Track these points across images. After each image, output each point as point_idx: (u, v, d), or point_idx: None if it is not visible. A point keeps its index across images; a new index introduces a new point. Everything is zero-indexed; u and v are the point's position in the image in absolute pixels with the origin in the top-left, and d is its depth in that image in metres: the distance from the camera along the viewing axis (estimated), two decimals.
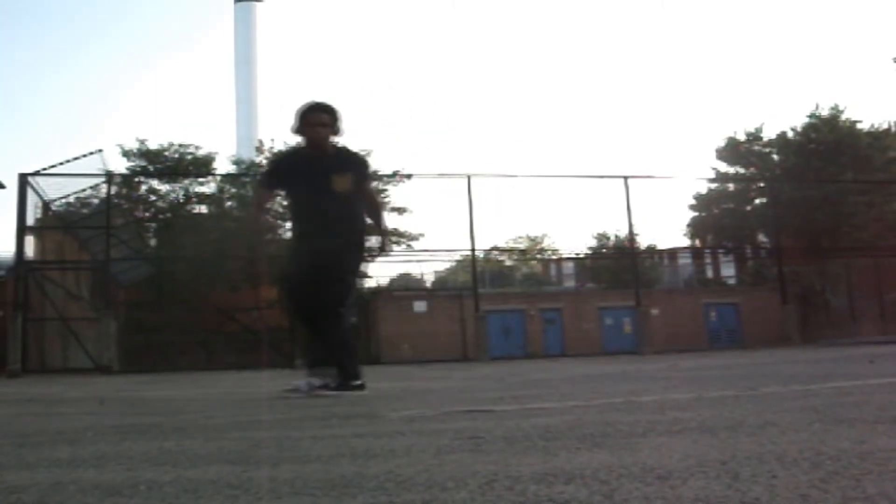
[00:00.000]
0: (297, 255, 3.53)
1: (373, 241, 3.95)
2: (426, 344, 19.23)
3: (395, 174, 22.14)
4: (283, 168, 3.69)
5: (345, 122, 3.52)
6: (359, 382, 3.33)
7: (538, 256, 37.00)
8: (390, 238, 4.56)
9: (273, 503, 0.98)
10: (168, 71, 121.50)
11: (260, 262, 20.41)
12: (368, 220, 3.66)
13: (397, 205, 22.95)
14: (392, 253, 23.08)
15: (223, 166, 24.75)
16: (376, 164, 27.67)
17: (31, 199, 13.78)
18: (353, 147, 3.79)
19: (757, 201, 25.96)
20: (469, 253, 16.92)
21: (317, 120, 3.41)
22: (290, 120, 3.50)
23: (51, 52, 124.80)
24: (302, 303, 3.47)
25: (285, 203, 3.89)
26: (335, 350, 3.38)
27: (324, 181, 3.40)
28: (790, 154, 25.25)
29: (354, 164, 3.57)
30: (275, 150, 23.98)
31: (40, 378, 10.53)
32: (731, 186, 27.18)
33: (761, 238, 25.95)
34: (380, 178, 22.88)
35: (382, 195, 23.13)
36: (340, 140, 3.58)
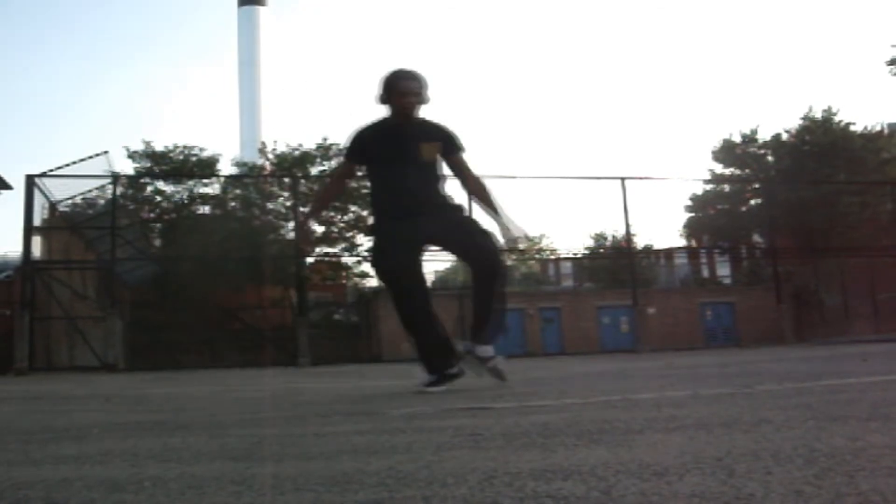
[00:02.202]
0: (398, 234, 3.17)
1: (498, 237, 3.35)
2: None
3: None
4: (367, 139, 3.32)
5: (430, 91, 3.25)
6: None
7: (536, 256, 37.00)
8: (508, 227, 3.32)
9: (276, 499, 0.99)
10: (173, 73, 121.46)
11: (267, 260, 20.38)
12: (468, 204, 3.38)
13: None
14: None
15: (227, 168, 24.85)
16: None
17: (38, 199, 13.91)
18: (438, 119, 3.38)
19: (752, 202, 26.05)
20: None
21: (406, 88, 3.18)
22: (376, 89, 3.22)
23: (57, 55, 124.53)
24: (418, 284, 3.20)
25: (368, 178, 3.44)
26: (495, 313, 3.19)
27: (411, 150, 3.16)
28: (785, 155, 25.34)
29: (441, 133, 3.30)
30: (276, 150, 24.00)
31: (47, 376, 10.57)
32: (726, 187, 27.27)
33: (756, 238, 26.05)
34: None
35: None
36: (425, 110, 3.27)
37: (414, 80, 3.23)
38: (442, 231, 3.23)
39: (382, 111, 3.30)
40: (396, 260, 3.18)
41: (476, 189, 3.39)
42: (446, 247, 3.32)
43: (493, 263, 3.21)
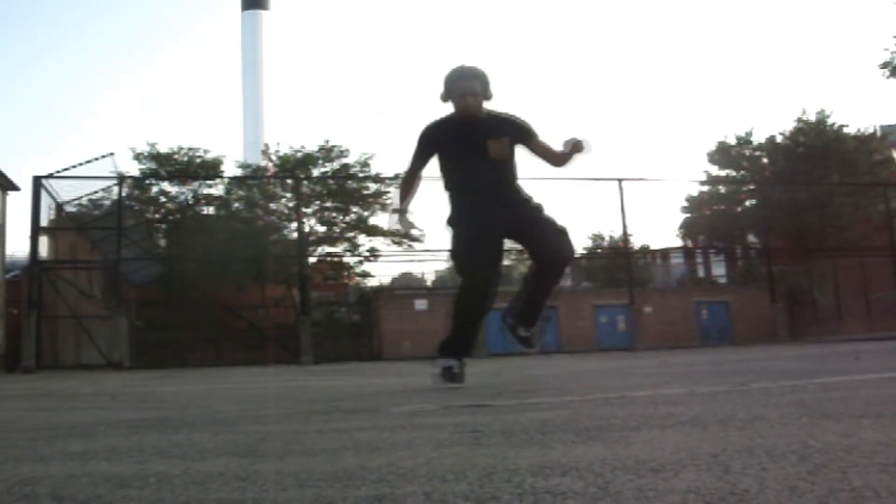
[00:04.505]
0: (475, 232, 3.20)
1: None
2: (426, 341, 19.16)
3: (396, 177, 22.20)
4: (436, 136, 3.31)
5: (493, 85, 3.21)
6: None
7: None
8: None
9: (279, 495, 1.00)
10: (177, 76, 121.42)
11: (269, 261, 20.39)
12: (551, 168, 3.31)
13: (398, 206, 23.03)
14: (393, 253, 23.11)
15: (230, 169, 24.86)
16: (378, 167, 27.54)
17: (45, 200, 14.04)
18: (508, 110, 3.34)
19: (747, 203, 26.14)
20: None
21: (463, 89, 3.16)
22: (439, 88, 3.22)
23: (63, 58, 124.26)
24: (488, 278, 3.20)
25: (441, 172, 3.41)
26: (542, 302, 3.31)
27: (478, 148, 3.16)
28: (779, 157, 25.42)
29: (509, 126, 3.27)
30: (279, 152, 23.95)
31: (54, 374, 10.61)
32: (722, 189, 27.34)
33: (751, 239, 26.17)
34: (381, 180, 22.89)
35: (384, 197, 23.05)
36: (490, 104, 3.26)
37: (472, 79, 3.20)
38: (518, 224, 3.24)
39: (448, 109, 3.28)
40: (479, 267, 3.21)
41: (564, 162, 3.36)
42: (520, 239, 3.31)
43: (564, 260, 3.29)
